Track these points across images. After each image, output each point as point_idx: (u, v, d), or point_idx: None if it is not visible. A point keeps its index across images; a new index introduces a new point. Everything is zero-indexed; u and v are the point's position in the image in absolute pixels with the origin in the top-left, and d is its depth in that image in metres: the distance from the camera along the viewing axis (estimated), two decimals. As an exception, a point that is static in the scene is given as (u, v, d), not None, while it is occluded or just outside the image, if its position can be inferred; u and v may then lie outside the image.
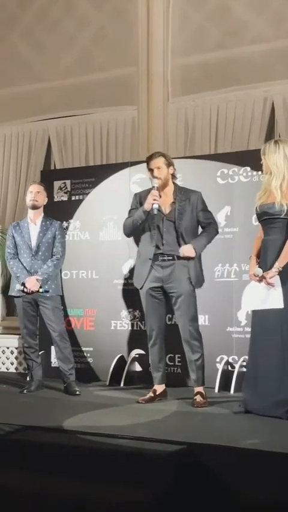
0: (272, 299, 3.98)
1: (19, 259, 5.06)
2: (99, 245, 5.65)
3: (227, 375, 4.97)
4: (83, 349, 5.71)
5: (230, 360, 5.05)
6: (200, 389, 4.54)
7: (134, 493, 2.95)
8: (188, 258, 4.50)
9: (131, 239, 5.34)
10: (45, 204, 5.20)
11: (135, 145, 6.49)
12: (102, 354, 5.59)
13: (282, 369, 3.99)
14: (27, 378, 5.36)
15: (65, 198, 5.84)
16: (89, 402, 4.65)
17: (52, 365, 5.57)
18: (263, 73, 5.96)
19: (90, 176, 5.86)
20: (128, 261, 5.57)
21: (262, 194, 4.13)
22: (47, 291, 4.99)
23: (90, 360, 5.70)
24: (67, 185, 5.85)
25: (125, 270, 5.59)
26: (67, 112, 6.84)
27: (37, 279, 4.96)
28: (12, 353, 6.41)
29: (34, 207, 5.11)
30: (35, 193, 5.09)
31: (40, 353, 5.33)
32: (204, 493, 2.94)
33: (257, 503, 2.66)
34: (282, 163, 4.02)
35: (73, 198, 5.84)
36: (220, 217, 5.12)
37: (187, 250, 4.49)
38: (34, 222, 5.12)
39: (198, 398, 4.48)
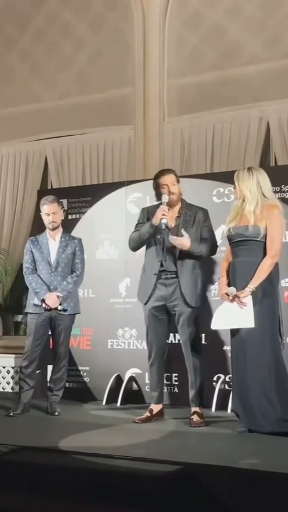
0: (243, 318, 4.06)
1: (38, 275, 5.00)
2: (96, 264, 5.65)
3: (224, 395, 4.95)
4: (80, 368, 5.68)
5: (227, 379, 5.02)
6: (197, 408, 4.52)
7: (130, 513, 2.92)
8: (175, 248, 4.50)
9: (129, 257, 5.34)
10: (62, 218, 5.18)
11: (131, 164, 6.53)
12: (98, 373, 5.56)
13: (273, 385, 4.04)
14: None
15: (61, 217, 5.84)
16: (85, 422, 4.63)
17: (48, 385, 5.52)
18: (258, 93, 6.02)
19: (86, 195, 5.88)
20: (125, 280, 5.56)
21: (233, 217, 4.26)
22: (65, 310, 4.95)
23: (86, 379, 5.67)
24: (64, 204, 5.85)
25: (122, 289, 5.58)
26: (64, 132, 6.88)
27: (57, 296, 4.92)
28: (8, 372, 6.37)
29: (54, 228, 5.07)
30: (52, 215, 5.02)
31: (37, 372, 5.29)
32: (202, 513, 2.92)
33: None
34: (255, 189, 4.17)
35: (70, 217, 5.85)
36: (216, 236, 5.13)
37: (179, 241, 4.47)
38: (53, 238, 5.07)
39: (195, 417, 4.46)
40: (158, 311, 4.59)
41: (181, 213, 4.63)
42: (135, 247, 4.77)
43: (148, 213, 4.70)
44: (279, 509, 2.82)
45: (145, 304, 4.62)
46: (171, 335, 5.13)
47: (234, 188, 4.29)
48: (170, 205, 4.55)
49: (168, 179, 4.60)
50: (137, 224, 4.76)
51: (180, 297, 4.52)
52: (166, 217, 4.47)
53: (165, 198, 4.53)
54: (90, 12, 6.88)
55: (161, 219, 4.45)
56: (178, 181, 4.66)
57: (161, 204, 4.53)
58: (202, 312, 4.73)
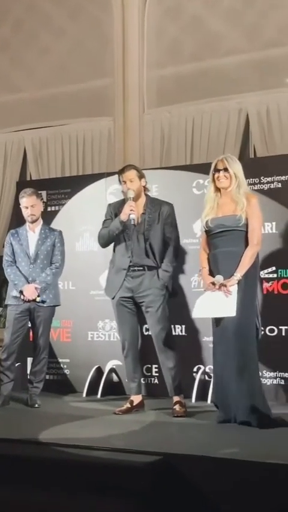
0: (226, 307, 4.05)
1: (17, 267, 5.00)
2: (76, 256, 5.63)
3: (204, 385, 4.97)
4: (60, 360, 5.67)
5: (207, 370, 5.04)
6: (178, 398, 4.54)
7: (111, 504, 2.93)
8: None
9: (109, 250, 5.33)
10: (42, 210, 5.16)
11: (111, 155, 6.50)
12: (78, 365, 5.56)
13: (238, 375, 4.04)
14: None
15: (41, 209, 5.81)
16: (65, 414, 4.62)
17: (28, 377, 5.50)
18: (238, 85, 6.02)
19: (66, 187, 5.85)
20: (105, 272, 5.52)
21: (209, 210, 4.24)
22: (43, 301, 4.94)
23: (66, 371, 5.66)
24: (43, 196, 5.82)
25: (102, 281, 5.55)
26: (43, 123, 6.83)
27: (35, 287, 4.91)
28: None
29: (33, 221, 5.06)
30: (30, 208, 5.00)
31: (16, 364, 5.28)
32: (182, 503, 2.94)
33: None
34: (242, 173, 4.19)
35: (49, 209, 5.81)
36: (196, 228, 5.14)
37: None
38: (33, 230, 5.06)
39: (177, 407, 4.48)
40: (126, 302, 4.60)
41: (146, 210, 4.62)
42: (104, 244, 4.78)
43: (115, 209, 4.70)
44: (258, 497, 2.84)
45: (112, 298, 4.64)
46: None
47: (219, 173, 4.16)
48: (134, 200, 4.54)
49: (126, 176, 4.60)
50: (104, 220, 4.76)
51: (148, 289, 4.51)
52: (134, 212, 4.48)
53: (131, 194, 4.53)
54: (69, 1, 6.82)
55: (130, 214, 4.46)
56: (142, 177, 4.63)
57: (127, 199, 4.53)
58: (181, 303, 4.73)
